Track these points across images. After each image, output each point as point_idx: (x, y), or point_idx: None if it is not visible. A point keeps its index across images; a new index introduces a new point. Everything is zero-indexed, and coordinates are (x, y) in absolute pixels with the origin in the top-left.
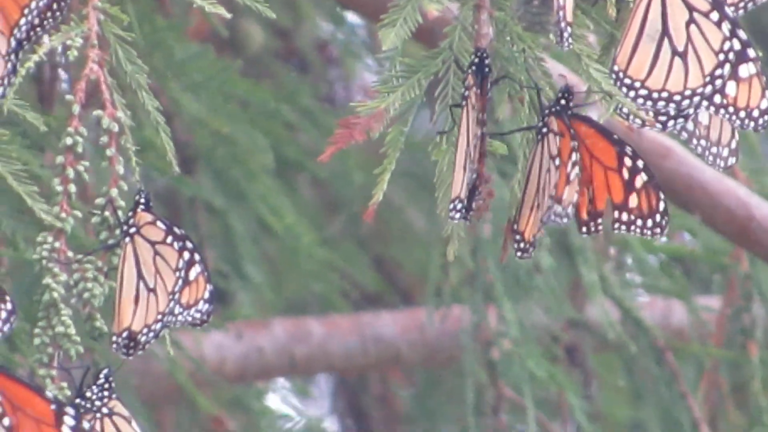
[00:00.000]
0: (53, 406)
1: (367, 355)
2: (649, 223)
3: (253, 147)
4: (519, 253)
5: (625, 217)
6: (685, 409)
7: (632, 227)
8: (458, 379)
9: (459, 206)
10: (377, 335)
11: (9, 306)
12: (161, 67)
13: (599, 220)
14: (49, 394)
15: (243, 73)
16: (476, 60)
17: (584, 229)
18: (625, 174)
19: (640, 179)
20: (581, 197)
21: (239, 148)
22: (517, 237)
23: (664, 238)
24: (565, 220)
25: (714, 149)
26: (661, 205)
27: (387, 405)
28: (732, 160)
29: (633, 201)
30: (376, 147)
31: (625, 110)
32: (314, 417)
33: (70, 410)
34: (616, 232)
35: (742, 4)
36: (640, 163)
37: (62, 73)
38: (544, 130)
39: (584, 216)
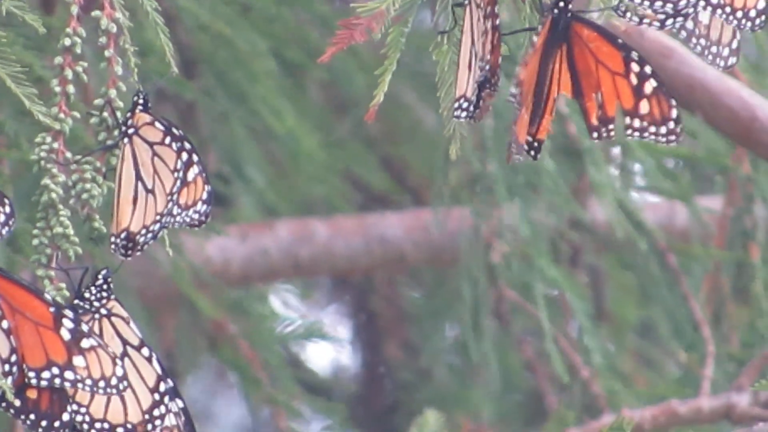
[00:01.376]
0: (52, 309)
1: (372, 256)
2: (663, 129)
3: (254, 49)
4: (533, 153)
5: (637, 123)
6: (687, 310)
7: (645, 133)
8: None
9: (465, 105)
10: (382, 236)
11: (8, 209)
12: None
13: (610, 126)
14: (48, 296)
15: None
16: None
17: (595, 134)
18: (633, 80)
19: (649, 85)
20: (589, 102)
21: (241, 50)
22: (523, 144)
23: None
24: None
25: (714, 48)
26: (674, 112)
27: (393, 305)
28: (732, 60)
29: (644, 107)
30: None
31: (623, 9)
32: (316, 320)
33: (69, 313)
34: (629, 138)
35: None
36: (648, 69)
37: None
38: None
39: (594, 121)
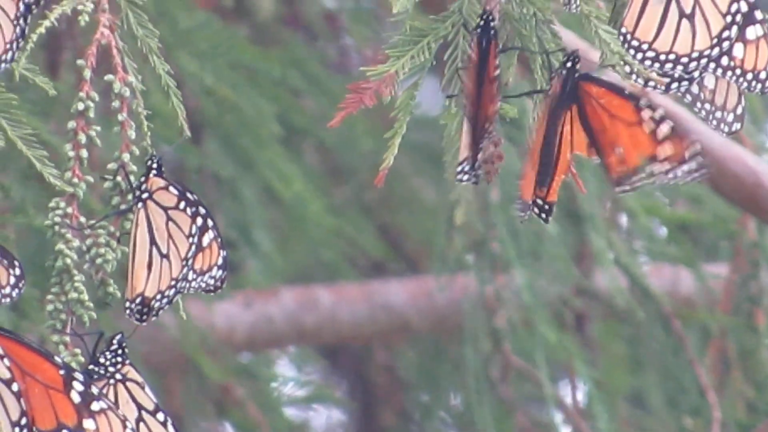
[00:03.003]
0: (62, 372)
1: (376, 323)
2: (686, 167)
3: (260, 115)
4: (543, 215)
5: (659, 168)
6: (693, 376)
7: (671, 175)
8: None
9: (467, 168)
10: (386, 303)
11: (18, 271)
12: (168, 35)
13: (634, 177)
14: (58, 359)
15: (250, 40)
16: (484, 18)
17: (619, 188)
18: (647, 126)
19: (665, 128)
20: (608, 158)
21: (246, 115)
22: (538, 199)
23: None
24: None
25: (719, 114)
26: (693, 148)
27: (390, 372)
28: (737, 126)
29: (663, 151)
30: (381, 114)
31: (628, 70)
32: (321, 383)
33: (79, 375)
34: (655, 183)
35: None
36: (659, 113)
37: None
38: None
39: (616, 175)
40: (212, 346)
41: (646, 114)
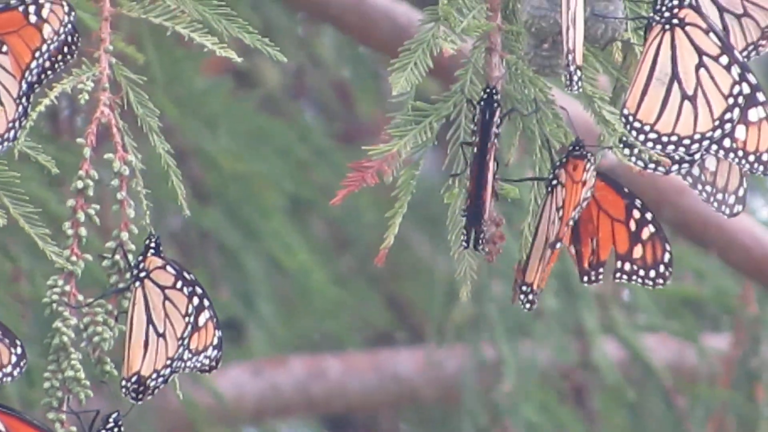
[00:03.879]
0: None
1: (386, 393)
2: (652, 273)
3: (266, 184)
4: (528, 305)
5: (627, 267)
6: None
7: (634, 276)
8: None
9: (466, 240)
10: (394, 372)
11: (19, 350)
12: (179, 98)
13: (600, 270)
14: (60, 431)
15: (259, 109)
16: (485, 95)
17: (585, 278)
18: (632, 225)
19: (647, 231)
20: (584, 248)
21: (253, 184)
22: (525, 288)
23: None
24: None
25: (720, 196)
26: (666, 257)
27: None
28: (738, 208)
29: (637, 252)
30: (388, 186)
31: (627, 152)
32: None
33: None
34: (617, 281)
35: (745, 53)
36: (648, 216)
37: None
38: (554, 182)
39: (585, 266)
40: (222, 414)
41: (635, 213)
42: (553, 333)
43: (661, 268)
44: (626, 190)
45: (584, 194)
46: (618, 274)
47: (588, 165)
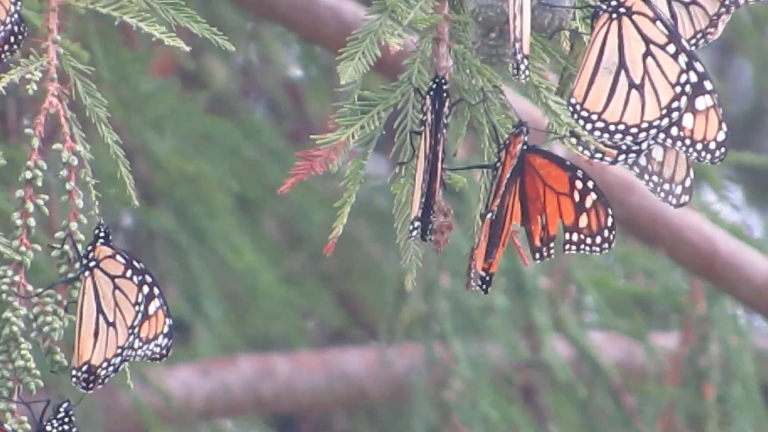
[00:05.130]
0: None
1: (334, 392)
2: (598, 239)
3: (214, 184)
4: (482, 287)
5: (575, 237)
6: None
7: (581, 246)
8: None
9: (414, 227)
10: (343, 372)
11: None
12: (126, 99)
13: (551, 245)
14: (8, 428)
15: (207, 109)
16: (434, 85)
17: (537, 255)
18: (576, 196)
19: (590, 199)
20: (534, 225)
21: (201, 185)
22: (474, 272)
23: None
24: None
25: (666, 186)
26: (609, 221)
27: None
28: (685, 198)
29: (583, 221)
30: (338, 187)
31: (574, 141)
32: None
33: None
34: (566, 252)
35: (693, 41)
36: (590, 184)
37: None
38: (499, 164)
39: (537, 243)
40: (171, 413)
41: (578, 184)
42: (503, 331)
43: (606, 233)
44: (568, 162)
45: (513, 159)
46: (567, 246)
47: (522, 138)
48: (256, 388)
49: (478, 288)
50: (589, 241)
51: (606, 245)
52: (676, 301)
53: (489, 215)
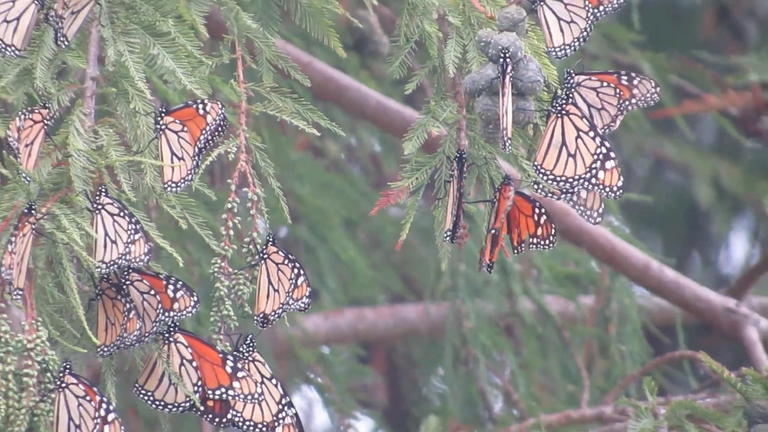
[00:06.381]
0: (221, 355)
1: (398, 330)
2: (547, 242)
3: (331, 212)
4: (487, 269)
5: (534, 240)
6: (574, 362)
7: (538, 245)
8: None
9: (447, 235)
10: (404, 318)
11: (195, 298)
12: (282, 163)
13: (522, 245)
14: (218, 347)
15: (327, 168)
16: (457, 155)
17: (515, 251)
18: (535, 217)
19: (543, 218)
20: (513, 234)
21: (324, 212)
22: (487, 262)
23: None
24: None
25: (588, 212)
26: (553, 230)
27: (407, 357)
28: (599, 219)
29: (539, 231)
30: (402, 212)
31: (535, 186)
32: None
33: (230, 358)
34: (531, 248)
35: (603, 129)
36: (543, 210)
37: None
38: (495, 198)
39: (514, 244)
40: (307, 341)
41: (537, 209)
42: (495, 294)
43: (552, 238)
44: (531, 198)
45: (508, 203)
46: (530, 245)
47: (511, 188)
48: (354, 327)
49: (485, 270)
50: (542, 242)
51: (551, 245)
52: (593, 277)
53: (492, 231)
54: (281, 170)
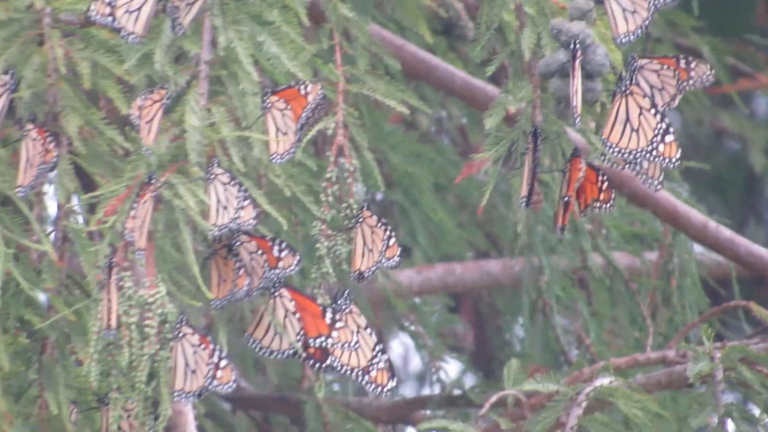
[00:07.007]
0: (321, 308)
1: (483, 282)
2: (608, 206)
3: (422, 177)
4: (560, 232)
5: (597, 204)
6: (638, 311)
7: (601, 208)
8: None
9: (524, 200)
10: (489, 272)
11: (298, 257)
12: (377, 135)
13: (587, 209)
14: (319, 300)
15: (418, 140)
16: (532, 130)
17: (582, 215)
18: (599, 184)
19: (605, 184)
20: (580, 200)
21: (415, 178)
22: (560, 225)
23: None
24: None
25: (650, 180)
26: (612, 195)
27: (492, 306)
28: (659, 187)
29: (602, 196)
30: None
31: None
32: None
33: (329, 310)
34: (595, 211)
35: (663, 107)
36: (605, 178)
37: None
38: (566, 168)
39: (582, 208)
40: (401, 293)
41: (601, 177)
42: (568, 251)
43: (612, 202)
44: (596, 167)
45: (581, 174)
46: (595, 209)
47: (582, 160)
48: (443, 280)
49: (560, 232)
50: (604, 206)
51: (612, 208)
52: (656, 236)
53: (566, 199)
54: (377, 142)
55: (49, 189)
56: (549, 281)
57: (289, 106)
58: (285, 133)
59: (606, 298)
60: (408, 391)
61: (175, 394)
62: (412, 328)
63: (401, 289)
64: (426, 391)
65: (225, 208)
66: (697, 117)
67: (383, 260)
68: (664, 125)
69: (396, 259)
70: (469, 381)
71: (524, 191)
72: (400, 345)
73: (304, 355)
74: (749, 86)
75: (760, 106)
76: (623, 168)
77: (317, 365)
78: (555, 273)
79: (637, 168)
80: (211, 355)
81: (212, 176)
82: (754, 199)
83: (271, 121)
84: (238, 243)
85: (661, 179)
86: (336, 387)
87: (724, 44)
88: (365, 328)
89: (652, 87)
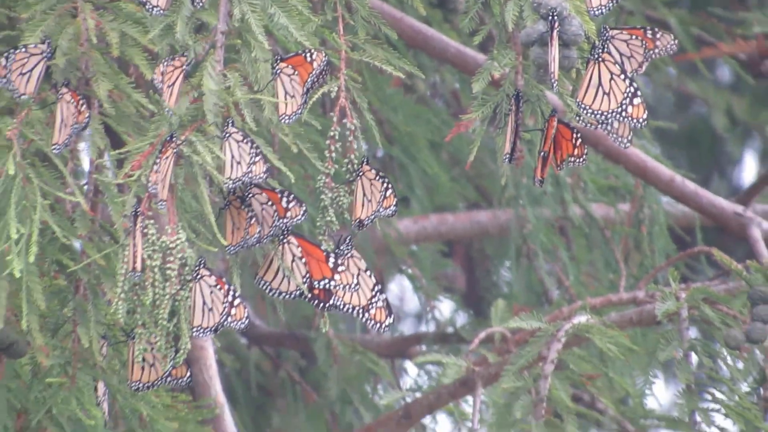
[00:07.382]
0: (325, 253)
1: (473, 230)
2: (581, 160)
3: (419, 135)
4: (539, 184)
5: (572, 159)
6: (613, 255)
7: (575, 162)
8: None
9: (507, 156)
10: (478, 221)
11: (304, 208)
12: (379, 96)
13: (563, 163)
14: (323, 246)
15: (416, 102)
16: (515, 93)
17: (559, 168)
18: (573, 140)
19: (578, 140)
20: (557, 155)
21: (413, 136)
22: (539, 178)
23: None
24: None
25: (620, 138)
26: (585, 151)
27: (481, 251)
28: (628, 144)
29: (576, 151)
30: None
31: (577, 117)
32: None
33: (332, 256)
34: (570, 165)
35: (631, 73)
36: (578, 135)
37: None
38: (545, 127)
39: (559, 162)
40: (401, 240)
41: (575, 134)
42: (550, 202)
43: (584, 157)
44: (570, 125)
45: (553, 130)
46: (570, 163)
47: (555, 118)
48: (437, 228)
49: (537, 184)
50: (578, 161)
51: (584, 162)
52: (629, 188)
53: (542, 153)
54: (379, 104)
55: (81, 146)
56: (533, 229)
57: (296, 72)
58: (293, 96)
59: (584, 244)
60: (406, 328)
61: (194, 329)
62: (410, 271)
63: (400, 237)
64: (422, 329)
65: (239, 163)
66: (665, 82)
67: (381, 210)
68: (632, 89)
69: (392, 208)
70: (461, 319)
71: (507, 148)
72: (398, 287)
73: (309, 295)
74: (712, 54)
75: (723, 73)
76: (596, 127)
77: (322, 305)
78: (538, 222)
79: (609, 127)
80: (227, 295)
81: (227, 134)
82: (717, 156)
83: (281, 85)
84: (250, 195)
85: (630, 137)
86: (342, 327)
87: (690, 16)
88: (365, 271)
89: (621, 55)
